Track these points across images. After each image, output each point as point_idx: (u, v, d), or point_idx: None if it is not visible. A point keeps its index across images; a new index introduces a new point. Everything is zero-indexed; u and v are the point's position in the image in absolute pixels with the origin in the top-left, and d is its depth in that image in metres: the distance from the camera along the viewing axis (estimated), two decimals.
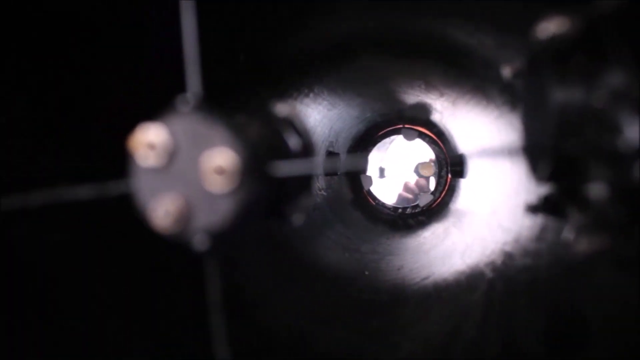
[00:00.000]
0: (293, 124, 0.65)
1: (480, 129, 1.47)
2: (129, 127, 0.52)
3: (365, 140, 2.35)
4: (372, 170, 2.50)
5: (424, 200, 2.47)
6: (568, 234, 0.72)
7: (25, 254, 0.70)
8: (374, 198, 2.47)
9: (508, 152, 1.14)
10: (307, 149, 0.64)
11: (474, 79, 1.28)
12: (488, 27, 1.04)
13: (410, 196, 4.01)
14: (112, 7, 0.77)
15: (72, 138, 0.76)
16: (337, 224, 1.98)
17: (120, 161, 0.54)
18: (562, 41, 0.63)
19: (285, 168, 0.55)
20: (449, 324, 1.06)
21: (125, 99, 0.79)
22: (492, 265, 1.16)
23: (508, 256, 1.09)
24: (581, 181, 0.63)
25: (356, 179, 2.37)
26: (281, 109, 0.66)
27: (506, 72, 0.93)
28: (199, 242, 0.52)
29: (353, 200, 2.33)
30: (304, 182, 0.62)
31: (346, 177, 2.31)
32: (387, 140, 2.46)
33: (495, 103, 1.22)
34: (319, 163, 0.69)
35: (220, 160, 0.49)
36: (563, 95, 0.63)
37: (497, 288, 1.03)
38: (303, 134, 0.64)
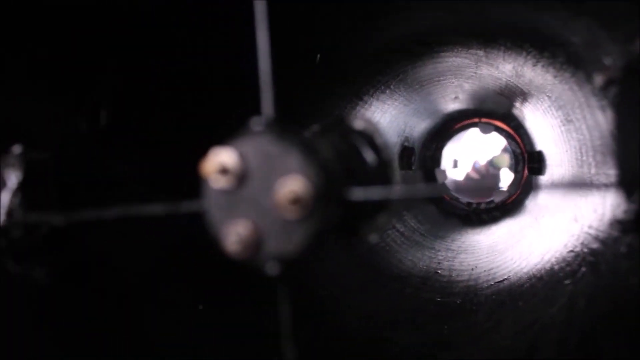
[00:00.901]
0: (371, 139, 0.62)
1: (562, 130, 1.40)
2: (203, 147, 0.51)
3: (440, 134, 2.32)
4: (446, 164, 2.46)
5: (499, 196, 2.41)
6: None
7: (97, 261, 0.71)
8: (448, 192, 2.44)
9: (594, 160, 1.08)
10: (385, 167, 0.61)
11: (559, 78, 1.22)
12: (580, 25, 0.98)
13: (477, 176, 3.97)
14: (186, 28, 0.77)
15: (148, 152, 0.76)
16: (410, 219, 1.95)
17: (193, 180, 0.53)
18: None
19: (361, 194, 0.52)
20: (524, 340, 1.01)
21: (200, 119, 0.78)
22: (573, 276, 1.10)
23: (591, 269, 1.03)
24: None
25: (430, 173, 2.34)
26: (358, 122, 0.63)
27: (598, 78, 0.87)
28: (271, 267, 0.50)
29: None
30: (382, 204, 0.59)
31: (421, 170, 2.28)
32: (461, 132, 2.43)
33: (580, 106, 1.15)
34: (397, 188, 0.66)
35: (294, 187, 0.47)
36: None
37: (579, 305, 0.97)
38: (382, 150, 0.61)
